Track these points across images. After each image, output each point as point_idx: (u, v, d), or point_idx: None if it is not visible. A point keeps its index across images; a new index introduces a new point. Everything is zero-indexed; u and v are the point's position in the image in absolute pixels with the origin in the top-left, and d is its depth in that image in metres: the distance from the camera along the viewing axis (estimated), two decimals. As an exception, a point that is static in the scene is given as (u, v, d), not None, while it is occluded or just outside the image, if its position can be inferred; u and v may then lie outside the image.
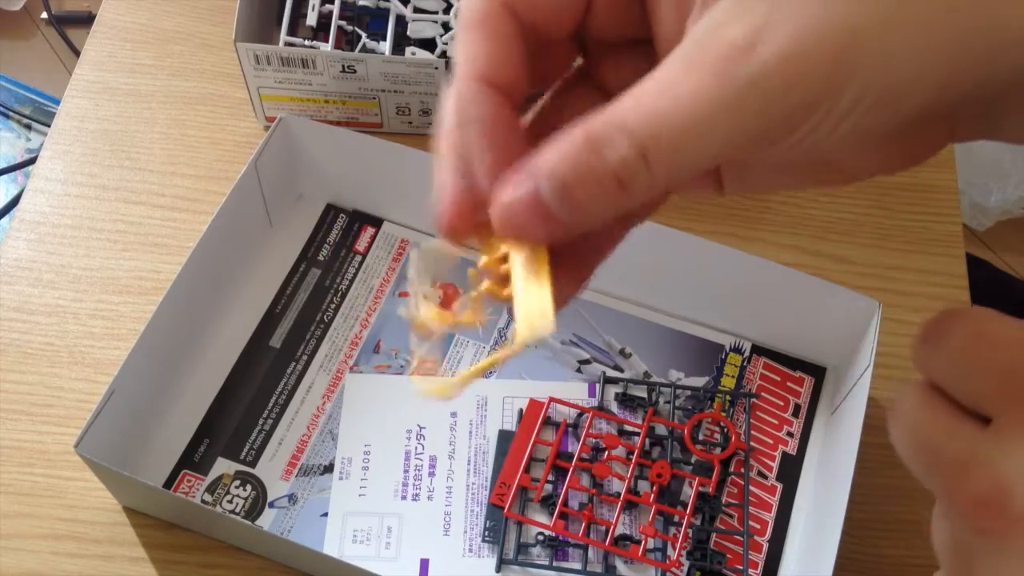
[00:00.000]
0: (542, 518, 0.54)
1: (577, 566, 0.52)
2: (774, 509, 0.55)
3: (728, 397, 0.58)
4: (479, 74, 0.23)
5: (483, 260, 0.25)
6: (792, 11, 0.20)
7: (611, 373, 0.59)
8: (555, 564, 0.52)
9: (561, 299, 0.25)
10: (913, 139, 0.24)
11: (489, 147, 0.23)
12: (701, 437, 0.57)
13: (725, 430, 0.57)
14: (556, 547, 0.53)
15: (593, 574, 0.52)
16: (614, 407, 0.58)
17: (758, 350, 0.60)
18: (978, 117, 0.23)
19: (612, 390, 0.58)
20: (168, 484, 0.54)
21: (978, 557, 0.22)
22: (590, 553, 0.53)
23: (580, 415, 0.57)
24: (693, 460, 0.56)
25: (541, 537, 0.53)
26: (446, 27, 0.67)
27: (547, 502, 0.54)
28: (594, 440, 0.56)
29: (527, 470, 0.55)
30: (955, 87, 0.21)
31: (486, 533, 0.53)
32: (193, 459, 0.55)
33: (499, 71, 0.24)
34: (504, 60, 0.23)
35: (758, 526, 0.55)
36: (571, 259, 0.26)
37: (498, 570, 0.52)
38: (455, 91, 0.24)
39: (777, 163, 0.24)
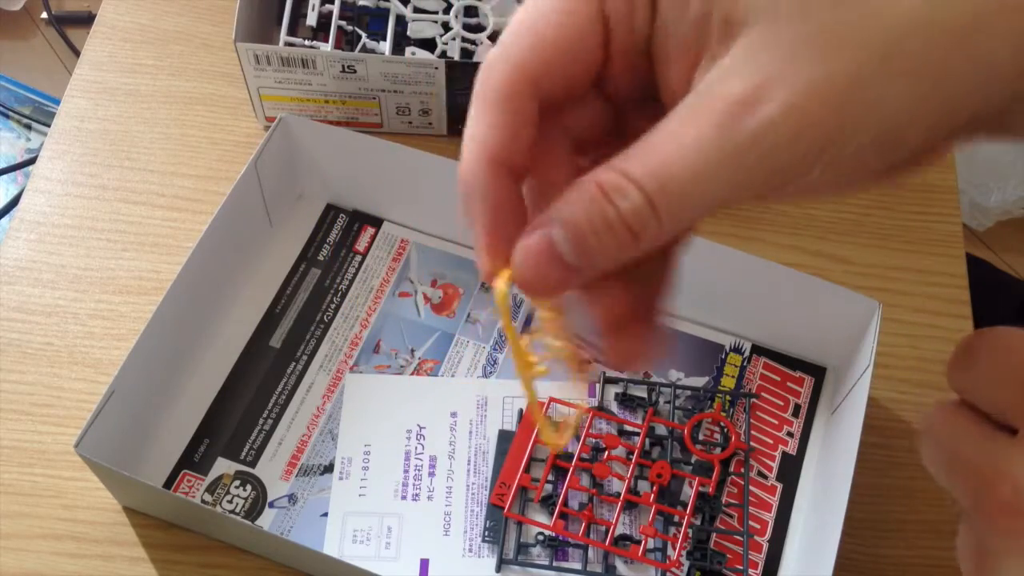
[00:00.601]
0: (542, 518, 0.54)
1: (577, 566, 0.52)
2: (774, 509, 0.55)
3: (728, 397, 0.58)
4: (488, 156, 0.24)
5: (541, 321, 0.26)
6: (794, 66, 0.21)
7: (611, 373, 0.59)
8: (555, 564, 0.52)
9: (648, 355, 0.27)
10: (914, 159, 0.25)
11: (488, 223, 0.25)
12: (701, 437, 0.57)
13: (725, 430, 0.57)
14: (556, 547, 0.53)
15: (593, 574, 0.52)
16: (614, 407, 0.58)
17: (758, 350, 0.60)
18: (980, 131, 0.24)
19: (612, 390, 0.58)
20: (168, 484, 0.54)
21: (1001, 560, 0.23)
22: (590, 553, 0.53)
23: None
24: (693, 460, 0.56)
25: (541, 537, 0.53)
26: (446, 27, 0.67)
27: (547, 502, 0.54)
28: (594, 440, 0.56)
29: (527, 470, 0.55)
30: (951, 121, 0.22)
31: (486, 533, 0.53)
32: (193, 459, 0.55)
33: (509, 155, 0.24)
34: (516, 144, 0.24)
35: (758, 526, 0.55)
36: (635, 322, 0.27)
37: (498, 570, 0.52)
38: (462, 165, 0.25)
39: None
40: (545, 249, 0.23)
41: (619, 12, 0.24)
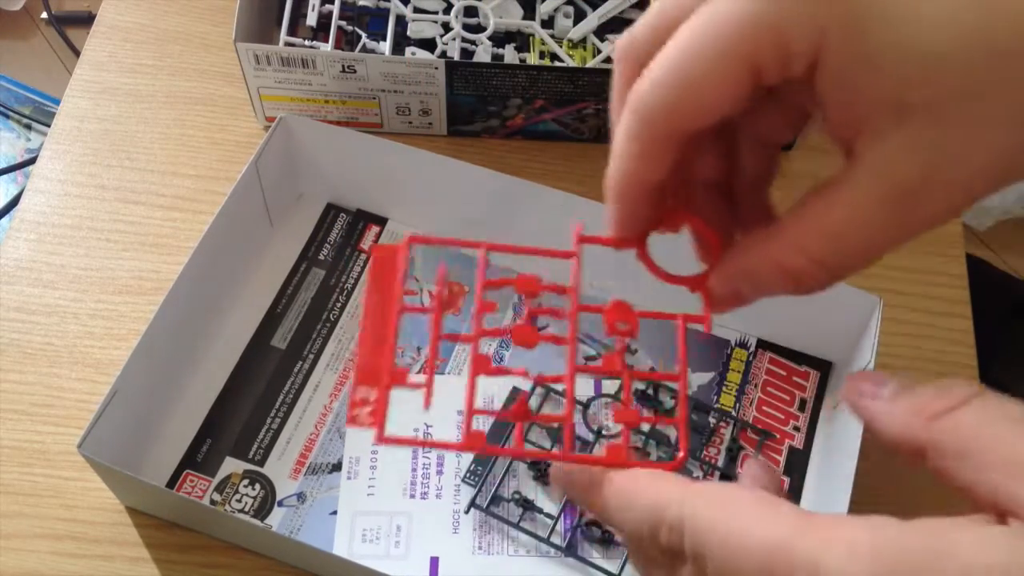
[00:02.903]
0: (526, 480, 0.55)
1: (542, 534, 0.53)
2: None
3: (735, 415, 0.58)
4: (629, 177, 0.28)
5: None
6: (957, 156, 0.24)
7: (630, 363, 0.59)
8: (521, 524, 0.53)
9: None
10: None
11: (619, 219, 0.30)
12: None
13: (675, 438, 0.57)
14: (527, 509, 0.53)
15: (555, 545, 0.52)
16: (632, 404, 0.58)
17: (764, 344, 0.60)
18: None
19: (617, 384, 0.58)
20: (171, 484, 0.54)
21: None
22: (559, 525, 0.53)
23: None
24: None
25: (517, 496, 0.53)
26: (446, 27, 0.67)
27: (535, 466, 0.55)
28: (600, 424, 0.56)
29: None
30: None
31: (467, 475, 0.54)
32: (196, 459, 0.55)
33: (648, 177, 0.28)
34: (655, 170, 0.28)
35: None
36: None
37: (466, 511, 0.54)
38: (609, 172, 0.28)
39: None
40: (733, 298, 0.30)
41: (770, 67, 0.25)
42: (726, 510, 0.24)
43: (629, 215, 0.29)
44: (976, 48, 0.23)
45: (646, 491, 0.27)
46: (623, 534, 0.29)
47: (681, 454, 0.30)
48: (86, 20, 1.44)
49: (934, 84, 0.23)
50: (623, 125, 0.27)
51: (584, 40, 0.69)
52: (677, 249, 0.32)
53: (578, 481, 0.30)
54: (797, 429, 0.58)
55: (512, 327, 0.33)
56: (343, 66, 0.62)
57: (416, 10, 0.68)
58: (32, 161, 1.09)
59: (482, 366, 0.31)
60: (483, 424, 0.57)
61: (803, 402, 0.59)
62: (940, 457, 0.24)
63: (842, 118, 0.25)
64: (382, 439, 0.32)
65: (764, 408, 0.58)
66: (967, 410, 0.24)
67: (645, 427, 0.57)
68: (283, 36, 0.65)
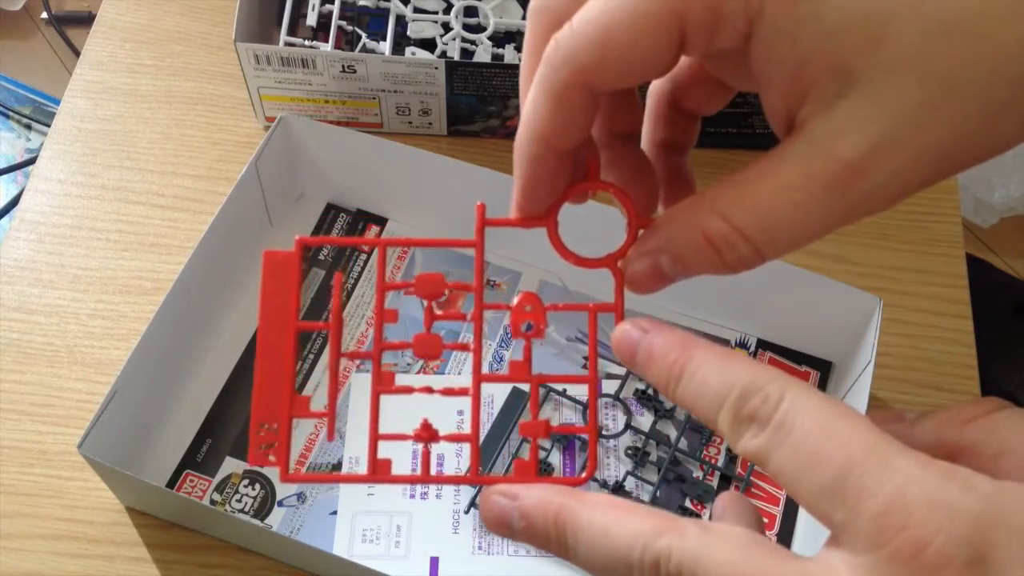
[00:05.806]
0: None
1: None
2: (782, 503, 0.55)
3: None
4: (537, 137, 0.26)
5: None
6: (906, 128, 0.22)
7: (613, 370, 0.59)
8: None
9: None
10: None
11: (524, 188, 0.27)
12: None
13: None
14: None
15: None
16: (633, 404, 0.58)
17: (764, 344, 0.60)
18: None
19: (634, 385, 0.58)
20: (171, 484, 0.54)
21: None
22: None
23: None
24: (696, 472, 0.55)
25: None
26: (446, 27, 0.67)
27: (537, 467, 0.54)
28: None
29: None
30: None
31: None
32: (196, 459, 0.55)
33: (558, 139, 0.26)
34: (568, 130, 0.25)
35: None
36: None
37: (466, 511, 0.53)
38: (517, 135, 0.26)
39: None
40: (653, 272, 0.27)
41: (699, 27, 0.23)
42: (731, 551, 0.23)
43: (538, 185, 0.27)
44: (926, 14, 0.21)
45: (621, 527, 0.24)
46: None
47: (584, 475, 0.29)
48: (86, 20, 1.44)
49: (880, 50, 0.22)
50: (537, 80, 0.25)
51: (584, 40, 0.69)
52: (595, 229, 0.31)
53: (539, 525, 0.26)
54: (797, 429, 0.58)
55: (414, 337, 0.30)
56: (343, 66, 0.62)
57: (416, 10, 0.68)
58: (32, 161, 1.09)
59: (384, 384, 0.29)
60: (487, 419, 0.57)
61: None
62: (975, 456, 0.24)
63: (780, 92, 0.24)
64: (286, 477, 0.29)
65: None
66: (1002, 414, 0.24)
67: (645, 427, 0.57)
68: (283, 36, 0.65)
